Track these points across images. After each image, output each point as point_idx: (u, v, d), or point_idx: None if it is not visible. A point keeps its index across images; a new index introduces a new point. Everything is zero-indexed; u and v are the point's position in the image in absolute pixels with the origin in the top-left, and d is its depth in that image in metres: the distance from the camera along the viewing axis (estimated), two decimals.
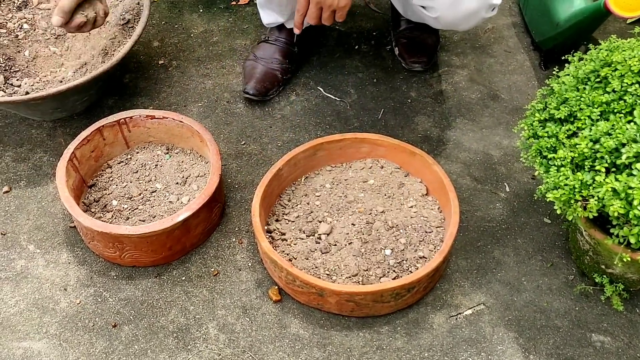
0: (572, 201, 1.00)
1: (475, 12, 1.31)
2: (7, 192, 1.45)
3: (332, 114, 1.60)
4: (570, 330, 1.20)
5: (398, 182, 1.38)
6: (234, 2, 1.93)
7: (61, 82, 1.48)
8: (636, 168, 0.94)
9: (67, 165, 1.32)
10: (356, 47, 1.78)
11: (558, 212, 1.02)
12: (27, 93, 1.44)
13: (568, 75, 1.12)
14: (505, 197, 1.42)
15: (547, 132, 1.07)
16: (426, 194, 1.36)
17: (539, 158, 1.07)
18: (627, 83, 1.02)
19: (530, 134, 1.11)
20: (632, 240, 0.96)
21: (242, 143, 1.55)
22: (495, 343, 1.18)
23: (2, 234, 1.37)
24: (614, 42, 1.10)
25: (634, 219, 0.94)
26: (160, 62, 1.76)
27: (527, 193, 1.42)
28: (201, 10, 1.91)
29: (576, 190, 0.99)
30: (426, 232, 1.29)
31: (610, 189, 0.95)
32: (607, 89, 1.04)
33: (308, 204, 1.35)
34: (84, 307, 1.25)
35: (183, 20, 1.88)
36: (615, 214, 0.94)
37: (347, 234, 1.29)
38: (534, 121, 1.10)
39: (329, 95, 1.65)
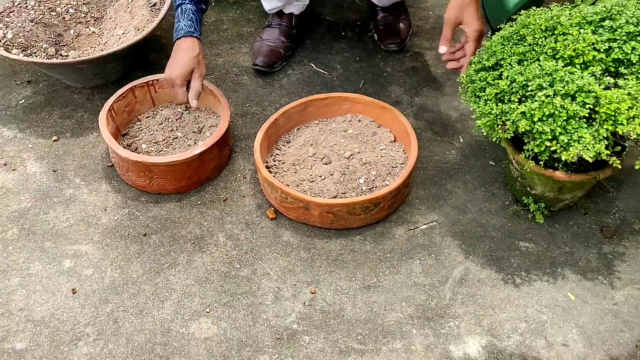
0: (495, 125, 1.34)
1: None
2: (55, 140, 1.79)
3: (321, 84, 1.94)
4: (502, 239, 1.52)
5: (372, 131, 1.72)
6: None
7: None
8: (537, 96, 1.27)
9: (106, 115, 1.66)
10: (343, 33, 2.13)
11: (484, 133, 1.35)
12: None
13: (497, 35, 1.46)
14: (459, 146, 1.75)
15: (479, 77, 1.41)
16: (394, 141, 1.70)
17: (473, 97, 1.41)
18: (537, 37, 1.36)
19: (468, 80, 1.44)
20: (536, 150, 1.29)
21: (247, 105, 1.89)
22: (442, 247, 1.51)
23: (54, 170, 1.71)
24: (532, 11, 1.44)
25: (537, 133, 1.27)
26: None
27: (476, 143, 1.75)
28: (213, 4, 2.26)
29: (498, 117, 1.33)
30: (392, 167, 1.62)
31: (519, 112, 1.28)
32: (524, 43, 1.38)
33: (300, 148, 1.69)
34: (120, 222, 1.58)
35: None
36: (523, 130, 1.28)
37: (330, 170, 1.62)
38: (470, 71, 1.44)
39: (319, 69, 1.99)
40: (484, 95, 1.37)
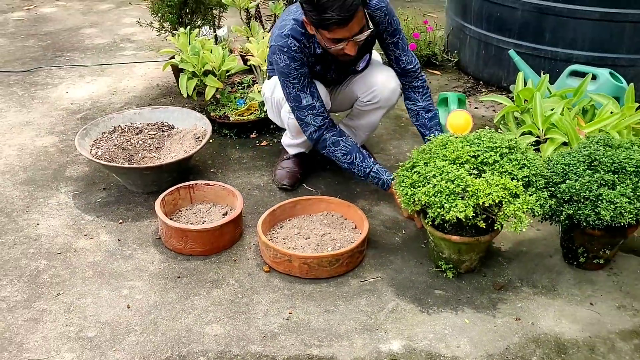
0: (410, 202, 2.10)
1: (395, 89, 2.55)
2: (121, 223, 2.57)
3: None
4: (424, 289, 2.20)
5: (340, 222, 2.48)
6: (258, 144, 3.19)
7: None
8: (432, 181, 2.05)
9: (160, 202, 2.46)
10: (327, 167, 2.97)
11: (403, 205, 2.11)
12: None
13: (417, 150, 2.27)
14: (402, 235, 2.49)
15: (402, 174, 2.20)
16: (355, 228, 2.45)
17: (399, 186, 2.18)
18: (436, 148, 2.17)
19: (397, 175, 2.22)
20: (431, 214, 2.03)
21: (256, 207, 2.68)
22: (382, 292, 2.19)
23: (118, 239, 2.47)
24: (439, 136, 2.27)
25: (432, 204, 2.03)
26: (211, 170, 2.96)
27: (414, 234, 2.49)
28: (237, 147, 3.16)
29: (411, 196, 2.10)
30: (351, 242, 2.36)
31: (422, 192, 2.06)
32: (430, 153, 2.19)
33: (289, 229, 2.44)
34: (162, 270, 2.30)
35: (226, 152, 3.13)
36: (424, 202, 2.04)
37: (309, 242, 2.36)
38: (400, 170, 2.23)
39: (309, 188, 2.81)
40: (403, 184, 2.15)
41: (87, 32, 4.96)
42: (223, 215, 2.51)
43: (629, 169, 2.04)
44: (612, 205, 2.00)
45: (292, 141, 2.81)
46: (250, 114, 3.27)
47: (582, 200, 2.05)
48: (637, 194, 2.00)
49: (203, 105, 3.47)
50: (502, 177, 2.02)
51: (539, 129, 2.80)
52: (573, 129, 2.69)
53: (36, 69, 4.19)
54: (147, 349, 1.97)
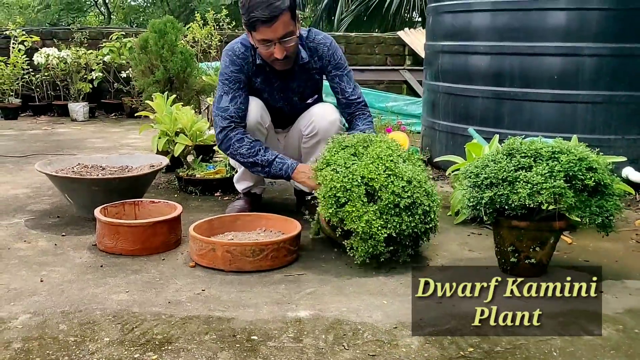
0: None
1: (334, 120, 2.63)
2: (63, 235, 2.59)
3: None
4: (348, 280, 2.12)
5: (277, 235, 2.47)
6: (220, 199, 3.27)
7: None
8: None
9: (102, 209, 2.50)
10: (283, 211, 3.00)
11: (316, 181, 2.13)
12: None
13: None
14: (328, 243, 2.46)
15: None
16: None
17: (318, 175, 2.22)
18: (359, 144, 2.24)
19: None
20: (323, 210, 2.05)
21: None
22: (304, 282, 2.12)
23: (55, 244, 2.48)
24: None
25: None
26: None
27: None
28: (199, 200, 3.24)
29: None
30: None
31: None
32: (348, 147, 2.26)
33: (224, 237, 2.43)
34: (87, 261, 2.28)
35: (187, 202, 3.19)
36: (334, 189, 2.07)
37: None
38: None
39: None
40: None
41: (92, 141, 5.32)
42: None
43: (544, 154, 2.06)
44: (528, 185, 1.99)
45: (239, 174, 2.90)
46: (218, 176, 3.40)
47: (500, 182, 2.05)
48: (554, 174, 2.01)
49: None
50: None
51: None
52: None
53: (32, 155, 4.46)
54: (45, 305, 1.91)
